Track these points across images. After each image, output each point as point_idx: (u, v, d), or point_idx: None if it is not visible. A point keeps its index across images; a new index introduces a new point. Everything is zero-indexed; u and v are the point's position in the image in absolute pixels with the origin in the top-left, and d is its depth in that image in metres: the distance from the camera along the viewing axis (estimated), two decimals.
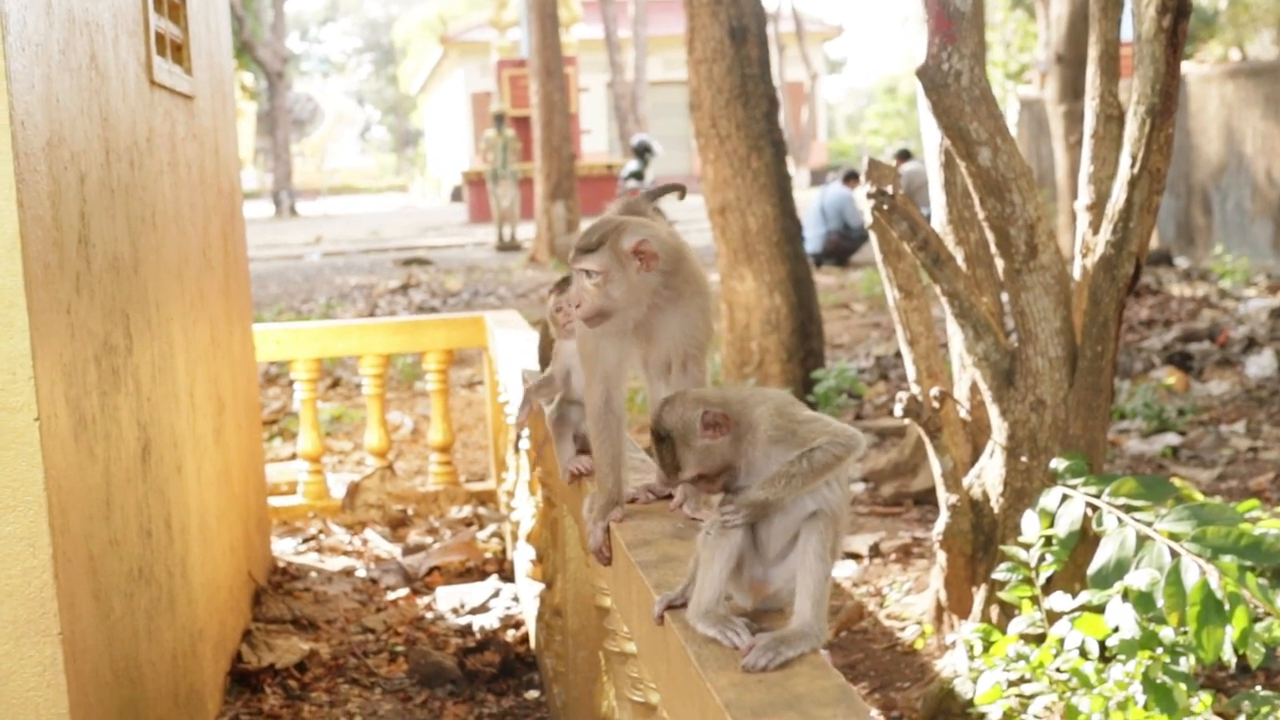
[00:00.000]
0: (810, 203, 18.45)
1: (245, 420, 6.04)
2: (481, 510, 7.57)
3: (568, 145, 21.40)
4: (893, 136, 48.77)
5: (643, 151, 22.37)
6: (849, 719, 1.78)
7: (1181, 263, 15.53)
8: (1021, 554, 4.27)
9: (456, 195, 43.31)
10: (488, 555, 6.79)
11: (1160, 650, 3.81)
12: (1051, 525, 4.26)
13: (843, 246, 18.44)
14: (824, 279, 15.94)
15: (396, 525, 7.42)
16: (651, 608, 2.29)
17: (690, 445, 2.17)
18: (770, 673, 1.96)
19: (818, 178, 39.72)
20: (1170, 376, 9.38)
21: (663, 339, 2.76)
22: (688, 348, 2.75)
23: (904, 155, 18.70)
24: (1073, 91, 13.59)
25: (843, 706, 1.83)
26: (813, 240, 17.81)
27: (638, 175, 22.00)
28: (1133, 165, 4.28)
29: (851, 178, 18.81)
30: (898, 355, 10.83)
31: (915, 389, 4.98)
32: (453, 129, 48.76)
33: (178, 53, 4.95)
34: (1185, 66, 4.24)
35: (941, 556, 4.91)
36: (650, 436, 2.26)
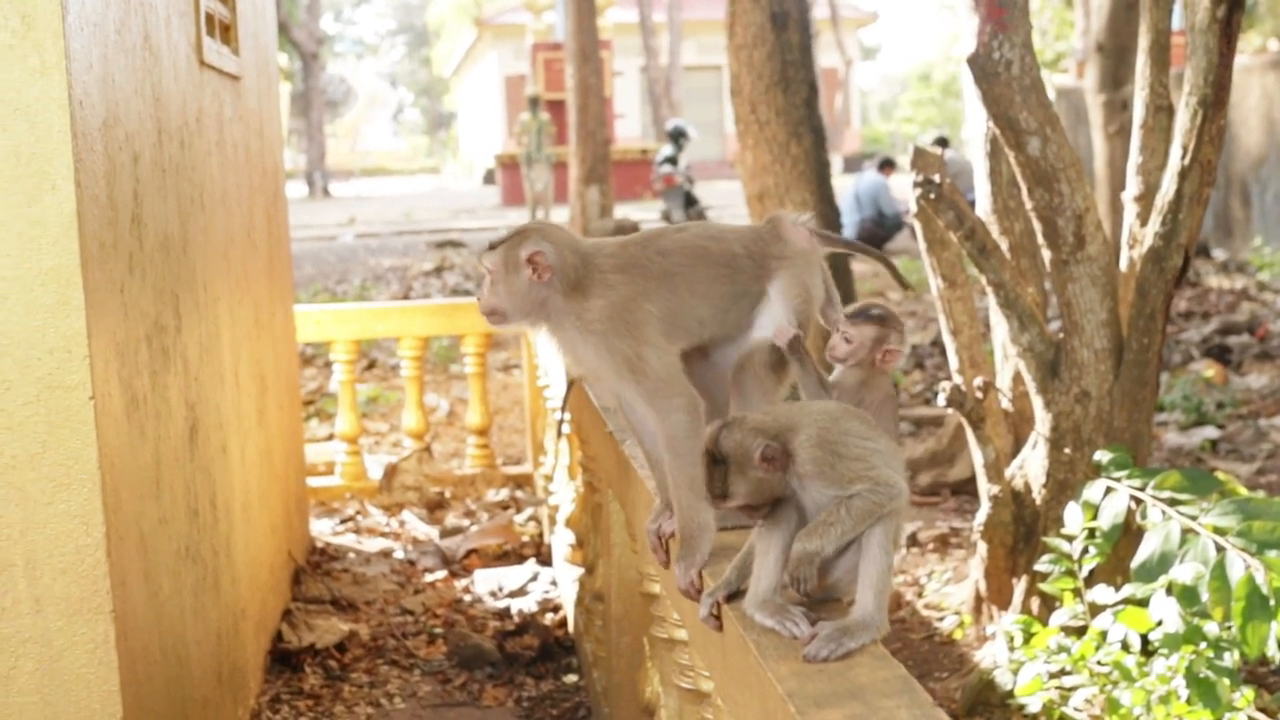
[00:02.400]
0: (845, 190, 18.39)
1: (286, 400, 6.07)
2: (518, 494, 7.59)
3: (602, 129, 21.37)
4: (926, 124, 48.56)
5: (677, 136, 22.34)
6: (912, 710, 1.78)
7: (1219, 254, 15.43)
8: (1064, 546, 4.26)
9: (489, 178, 43.33)
10: (524, 539, 6.80)
11: (1204, 645, 3.80)
12: (1094, 518, 4.24)
13: (877, 234, 18.38)
14: (858, 267, 15.87)
15: (433, 507, 7.44)
16: (705, 596, 2.30)
17: (744, 475, 2.14)
18: (831, 663, 1.96)
19: (851, 165, 39.59)
20: (1209, 369, 9.33)
21: (578, 363, 2.66)
22: (605, 381, 2.63)
23: (941, 143, 18.62)
24: (1113, 81, 13.45)
25: (905, 697, 1.83)
26: (847, 228, 17.75)
27: (672, 160, 21.97)
28: (1183, 157, 4.26)
29: (887, 165, 18.74)
30: (934, 343, 10.80)
31: (958, 378, 4.97)
32: (486, 112, 48.77)
33: (226, 33, 4.96)
34: None
35: (982, 547, 4.90)
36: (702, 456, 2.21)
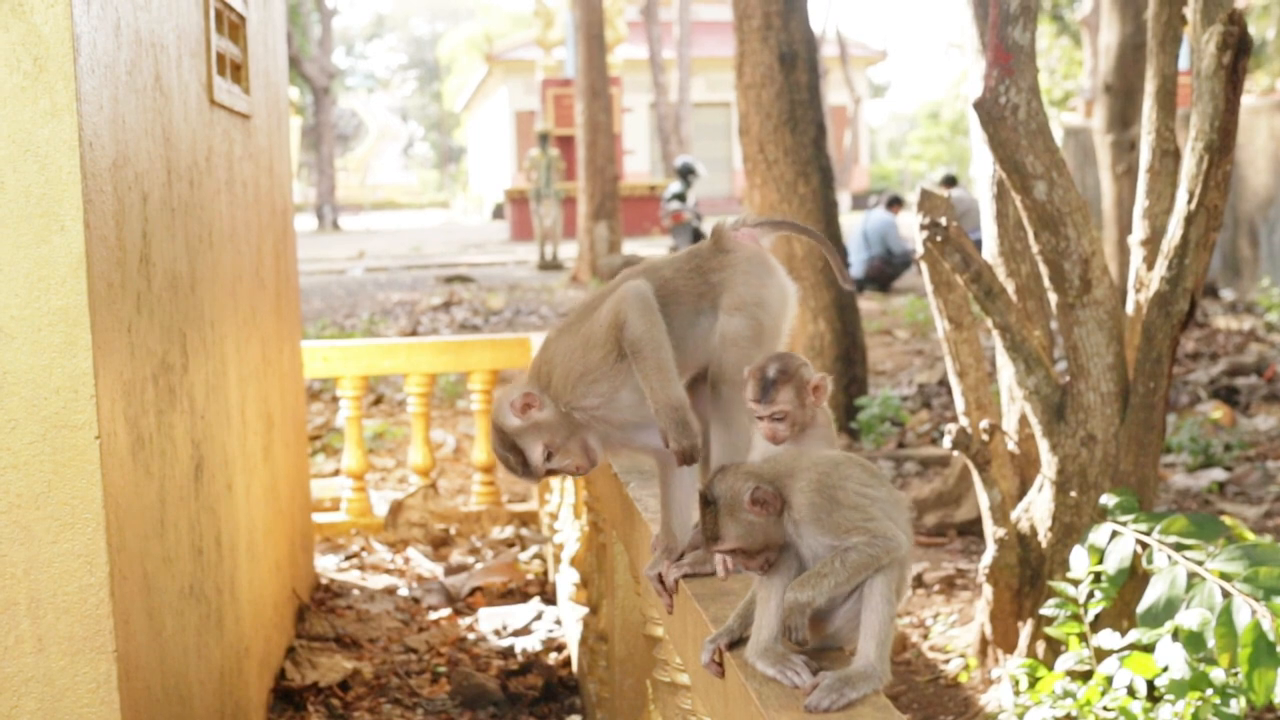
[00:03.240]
0: (853, 227, 18.41)
1: (292, 437, 6.07)
2: (523, 531, 7.58)
3: (611, 165, 21.45)
4: (935, 161, 48.67)
5: (686, 173, 22.40)
6: None
7: (1227, 295, 15.42)
8: (1070, 590, 4.25)
9: (498, 213, 43.46)
10: (529, 577, 6.79)
11: (1210, 691, 3.79)
12: (1100, 562, 4.24)
13: (885, 272, 18.40)
14: (866, 305, 15.91)
15: (438, 544, 7.43)
16: (707, 642, 2.29)
17: (735, 518, 2.14)
18: (833, 713, 1.95)
19: (860, 202, 39.66)
20: (1216, 410, 9.31)
21: None
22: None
23: (949, 181, 18.64)
24: (1121, 121, 13.49)
25: None
26: (855, 265, 17.79)
27: (680, 197, 22.02)
28: (1190, 201, 4.26)
29: (895, 203, 18.76)
30: (940, 383, 10.79)
31: (964, 420, 4.97)
32: (496, 147, 48.95)
33: (236, 72, 4.99)
34: None
35: (987, 590, 4.88)
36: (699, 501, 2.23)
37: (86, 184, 2.94)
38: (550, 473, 2.65)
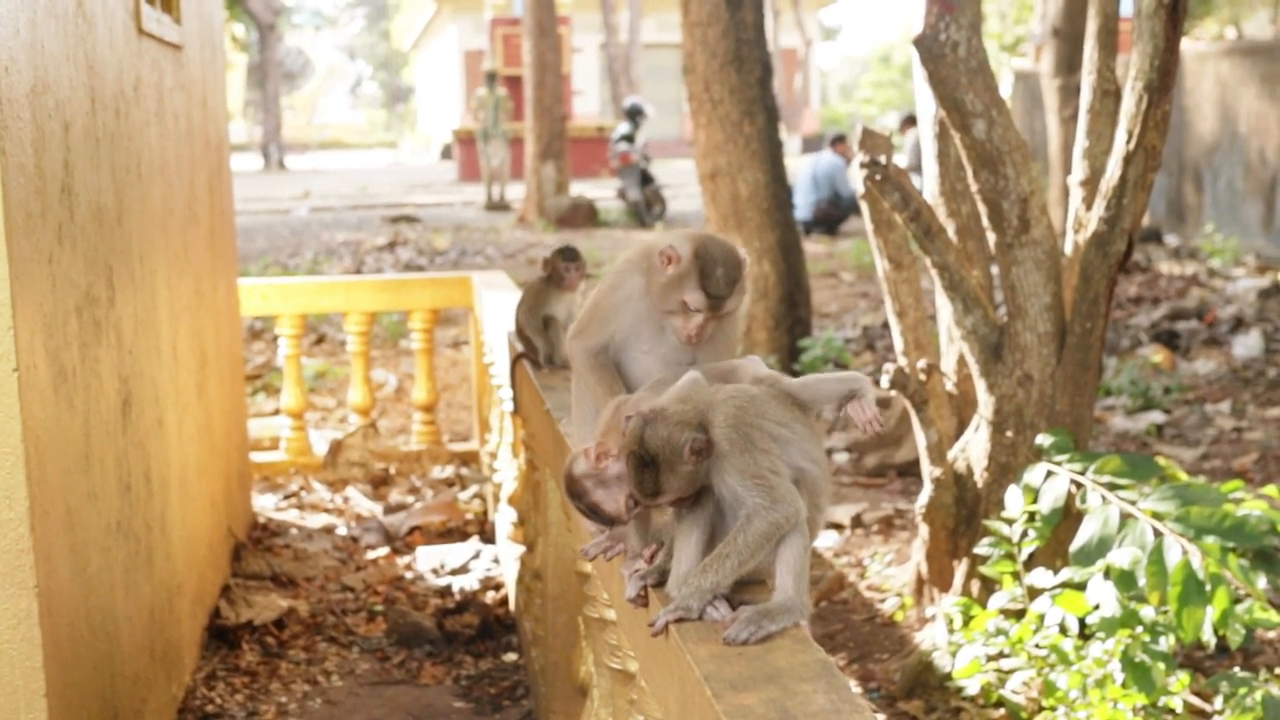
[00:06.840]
0: (801, 170, 18.37)
1: (228, 375, 6.00)
2: (464, 471, 7.55)
3: (559, 106, 21.30)
4: (885, 106, 48.59)
5: (634, 114, 22.22)
6: (829, 694, 1.77)
7: (1171, 240, 15.51)
8: (1004, 529, 4.27)
9: (446, 153, 43.08)
10: (469, 516, 6.76)
11: (1140, 629, 3.82)
12: (1035, 501, 4.25)
13: (832, 215, 18.39)
14: (813, 247, 15.91)
15: (378, 484, 7.39)
16: (637, 577, 2.27)
17: (675, 471, 2.08)
18: (751, 646, 1.94)
19: (810, 145, 39.59)
20: (1157, 354, 9.38)
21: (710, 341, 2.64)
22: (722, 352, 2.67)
23: (912, 120, 18.60)
24: (1068, 65, 13.52)
25: (823, 681, 1.81)
26: (802, 208, 17.75)
27: (629, 138, 21.85)
28: (1128, 141, 4.25)
29: (838, 141, 18.71)
30: (885, 325, 10.81)
31: (902, 360, 4.97)
32: (444, 86, 48.50)
33: (167, 1, 4.89)
34: (1182, 44, 4.22)
35: (923, 529, 4.90)
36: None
37: (2, 110, 2.86)
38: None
